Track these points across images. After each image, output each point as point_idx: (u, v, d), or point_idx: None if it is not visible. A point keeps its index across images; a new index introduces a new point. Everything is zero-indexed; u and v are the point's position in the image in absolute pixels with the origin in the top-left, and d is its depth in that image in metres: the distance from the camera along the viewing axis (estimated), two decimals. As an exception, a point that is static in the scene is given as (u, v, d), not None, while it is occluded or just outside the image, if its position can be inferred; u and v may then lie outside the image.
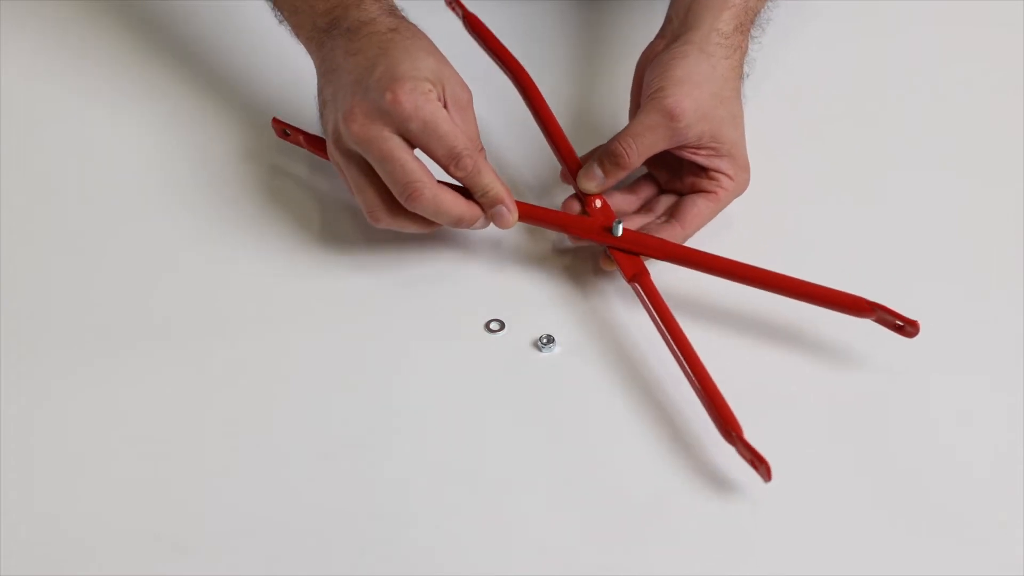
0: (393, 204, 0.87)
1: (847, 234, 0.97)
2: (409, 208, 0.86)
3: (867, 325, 0.86)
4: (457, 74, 0.89)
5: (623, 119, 0.97)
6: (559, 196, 0.97)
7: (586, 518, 0.82)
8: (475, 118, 0.89)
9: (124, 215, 0.99)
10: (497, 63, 1.01)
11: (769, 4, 0.97)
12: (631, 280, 0.89)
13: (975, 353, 0.90)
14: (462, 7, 1.04)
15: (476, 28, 1.02)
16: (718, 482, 0.82)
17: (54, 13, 1.13)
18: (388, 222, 0.88)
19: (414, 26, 0.91)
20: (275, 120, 0.98)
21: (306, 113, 0.98)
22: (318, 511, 0.82)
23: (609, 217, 0.92)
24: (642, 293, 0.88)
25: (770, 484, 0.80)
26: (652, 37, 0.97)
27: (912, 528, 0.81)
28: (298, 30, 0.94)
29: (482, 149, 0.89)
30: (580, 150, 0.96)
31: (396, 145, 0.85)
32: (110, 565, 0.80)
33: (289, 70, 1.03)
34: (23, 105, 1.06)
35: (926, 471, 0.83)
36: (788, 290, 0.87)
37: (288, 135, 0.98)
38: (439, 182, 0.87)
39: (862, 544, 0.80)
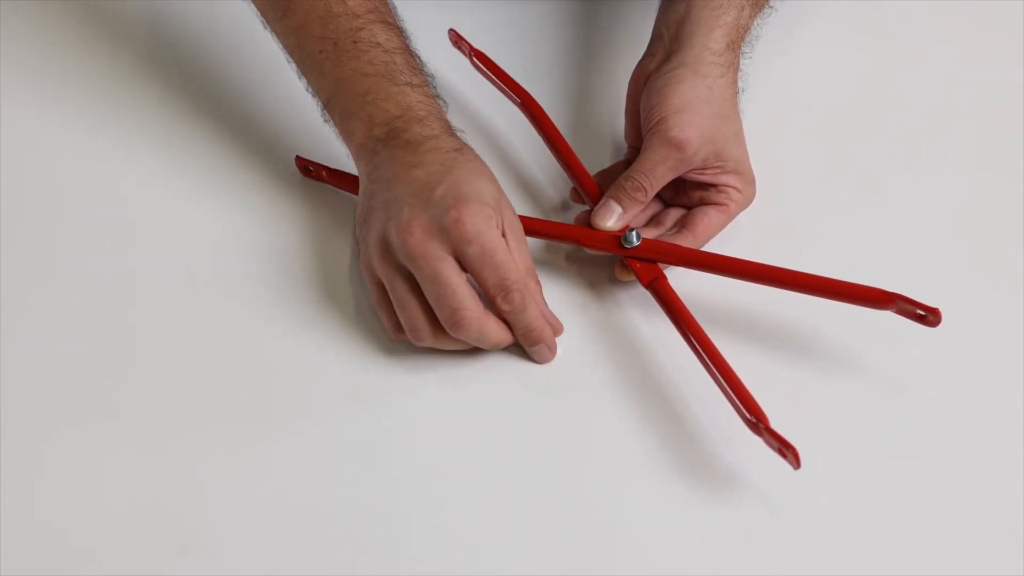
0: (437, 324, 0.86)
1: (852, 236, 0.97)
2: (452, 334, 0.85)
3: (882, 324, 0.85)
4: (511, 205, 0.88)
5: (621, 118, 0.98)
6: (577, 209, 0.98)
7: (588, 518, 0.81)
8: (529, 250, 0.88)
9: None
10: (505, 94, 1.02)
11: (758, 22, 0.98)
12: (648, 286, 0.89)
13: (988, 350, 0.90)
14: (468, 44, 1.04)
15: (484, 63, 1.03)
16: (726, 484, 0.82)
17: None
18: (431, 342, 0.86)
19: (473, 150, 0.89)
20: (298, 157, 0.99)
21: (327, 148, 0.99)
22: (317, 512, 0.82)
23: (622, 228, 0.92)
24: (659, 296, 0.88)
25: (778, 486, 0.80)
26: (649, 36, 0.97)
27: (926, 529, 0.81)
28: (348, 136, 0.91)
29: (538, 282, 0.88)
30: (580, 154, 0.97)
31: (449, 267, 0.84)
32: (110, 565, 0.80)
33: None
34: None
35: (940, 470, 0.84)
36: (807, 287, 0.86)
37: (311, 171, 0.99)
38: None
39: (873, 545, 0.80)
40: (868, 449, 0.84)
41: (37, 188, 1.00)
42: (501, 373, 0.88)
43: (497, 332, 0.86)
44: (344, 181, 0.97)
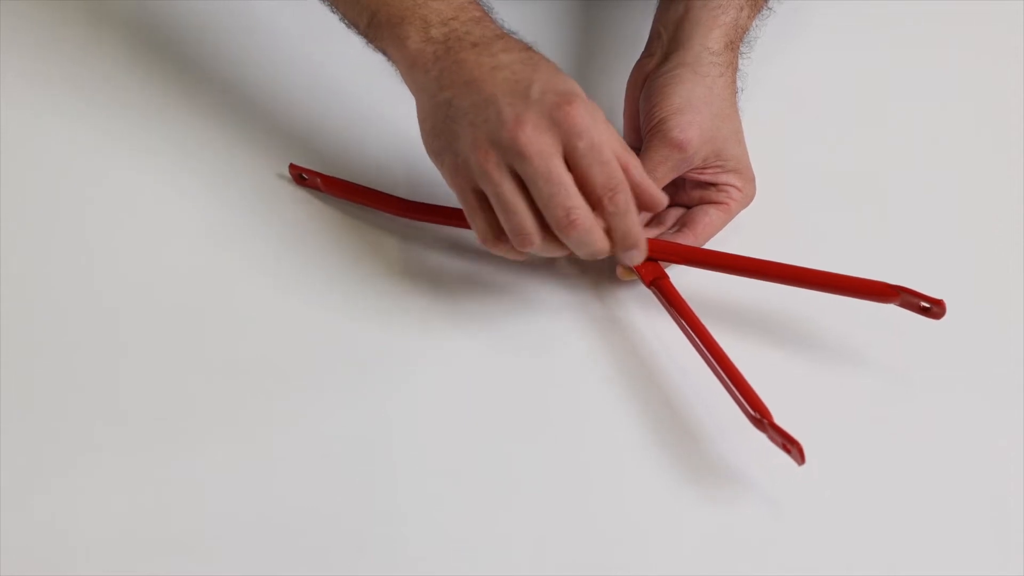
0: (545, 227, 0.83)
1: (851, 235, 0.97)
2: (561, 235, 0.82)
3: (886, 318, 0.85)
4: None
5: (619, 118, 0.97)
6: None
7: (588, 517, 0.82)
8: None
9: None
10: None
11: (757, 23, 0.98)
12: (651, 285, 0.89)
13: (992, 344, 0.90)
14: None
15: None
16: (729, 482, 0.82)
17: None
18: (539, 245, 0.84)
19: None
20: (292, 165, 0.99)
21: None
22: (317, 511, 0.82)
23: None
24: (661, 295, 0.88)
25: (782, 482, 0.80)
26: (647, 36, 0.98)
27: (929, 525, 0.81)
28: (400, 43, 0.87)
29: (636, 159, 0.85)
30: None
31: (561, 165, 0.81)
32: (109, 565, 0.79)
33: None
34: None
35: (944, 466, 0.84)
36: (810, 282, 0.86)
37: (305, 179, 0.98)
38: None
39: (877, 542, 0.80)
40: (872, 444, 0.84)
41: (35, 188, 1.00)
42: (500, 371, 0.88)
43: (601, 238, 0.83)
44: (339, 188, 0.97)
